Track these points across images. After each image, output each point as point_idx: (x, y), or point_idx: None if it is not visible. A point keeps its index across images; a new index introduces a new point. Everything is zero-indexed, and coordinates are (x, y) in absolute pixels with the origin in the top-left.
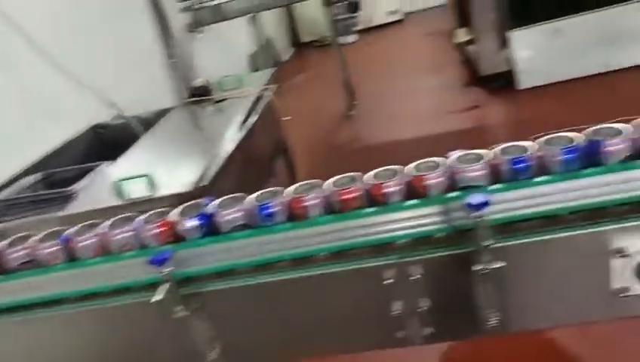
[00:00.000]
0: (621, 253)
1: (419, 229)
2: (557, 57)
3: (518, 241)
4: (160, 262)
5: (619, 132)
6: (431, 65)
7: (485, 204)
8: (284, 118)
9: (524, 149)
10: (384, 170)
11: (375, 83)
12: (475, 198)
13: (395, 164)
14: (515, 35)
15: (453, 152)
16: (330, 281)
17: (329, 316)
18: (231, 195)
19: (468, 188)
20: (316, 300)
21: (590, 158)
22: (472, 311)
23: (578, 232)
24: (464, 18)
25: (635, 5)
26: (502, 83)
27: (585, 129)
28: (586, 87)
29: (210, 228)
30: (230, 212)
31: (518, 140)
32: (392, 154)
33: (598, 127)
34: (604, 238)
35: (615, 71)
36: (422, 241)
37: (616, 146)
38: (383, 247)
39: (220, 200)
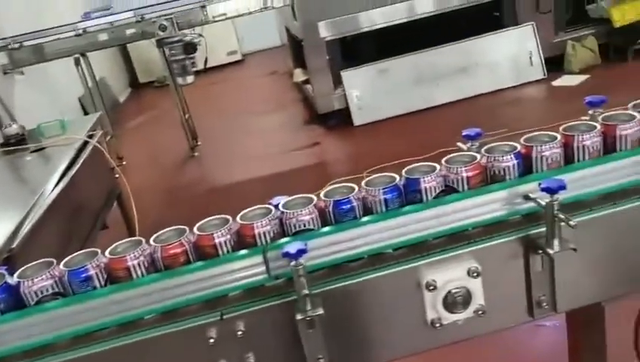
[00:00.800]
0: (431, 286)
1: (247, 281)
2: (386, 95)
3: (342, 283)
4: None
5: (433, 169)
6: (273, 104)
7: (303, 251)
8: (119, 164)
9: (350, 190)
10: (212, 219)
11: (218, 123)
12: (293, 246)
13: (241, 205)
14: (346, 74)
15: (279, 197)
16: (158, 345)
17: None
18: (39, 261)
19: (298, 233)
20: None
21: (409, 196)
22: (302, 359)
23: (397, 269)
24: (300, 58)
25: (446, 48)
26: (339, 120)
27: (410, 161)
28: (412, 121)
29: (13, 302)
30: (37, 281)
31: (355, 174)
32: (237, 195)
33: (415, 165)
34: (418, 273)
35: (435, 106)
36: (251, 293)
37: (430, 183)
38: (213, 303)
39: (25, 267)
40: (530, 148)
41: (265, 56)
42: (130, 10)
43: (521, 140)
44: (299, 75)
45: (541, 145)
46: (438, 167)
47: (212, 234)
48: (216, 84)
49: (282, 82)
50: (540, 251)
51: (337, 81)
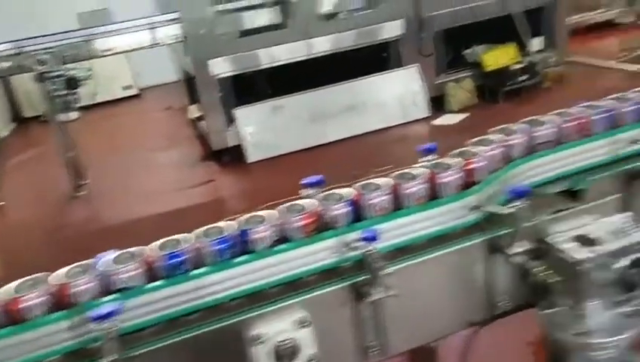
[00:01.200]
0: (259, 339)
1: (63, 345)
2: (279, 132)
3: (168, 341)
4: None
5: (263, 219)
6: (168, 140)
7: (114, 313)
8: None
9: (178, 242)
10: (28, 279)
11: (111, 159)
12: (104, 308)
13: (128, 245)
14: (240, 112)
15: (107, 252)
16: None
17: None
18: None
19: (124, 290)
20: None
21: (242, 246)
22: None
23: (222, 324)
24: (194, 94)
25: (338, 87)
26: (233, 157)
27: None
28: (306, 158)
29: None
30: None
31: (249, 211)
32: (126, 234)
33: (249, 215)
34: (246, 326)
35: (328, 143)
36: (70, 357)
37: (262, 233)
38: None
39: None
40: (360, 196)
41: (162, 91)
42: (10, 42)
43: (353, 187)
44: (193, 112)
45: (369, 193)
46: (277, 215)
47: (22, 297)
48: (110, 119)
49: (178, 118)
50: (365, 298)
51: (231, 118)
